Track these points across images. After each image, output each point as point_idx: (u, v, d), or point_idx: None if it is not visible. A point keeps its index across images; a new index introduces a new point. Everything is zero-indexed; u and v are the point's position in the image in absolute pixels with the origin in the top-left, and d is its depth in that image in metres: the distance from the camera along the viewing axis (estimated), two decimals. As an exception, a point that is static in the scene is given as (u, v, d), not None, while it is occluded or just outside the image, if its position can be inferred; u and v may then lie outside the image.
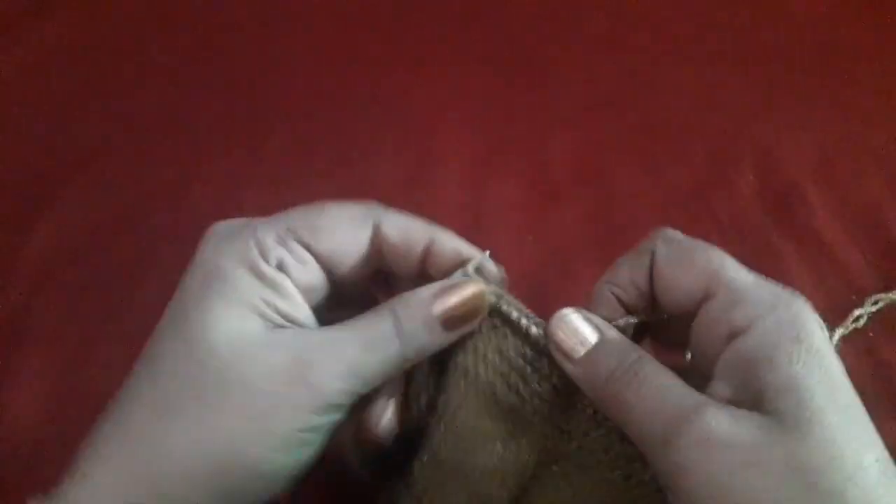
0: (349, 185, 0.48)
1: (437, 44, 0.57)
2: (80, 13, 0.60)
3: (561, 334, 0.24)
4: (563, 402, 0.24)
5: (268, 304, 0.23)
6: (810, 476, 0.18)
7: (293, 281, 0.24)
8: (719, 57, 0.56)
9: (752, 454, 0.18)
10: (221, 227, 0.25)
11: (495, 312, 0.25)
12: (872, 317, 0.39)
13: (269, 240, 0.23)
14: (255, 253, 0.23)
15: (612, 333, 0.24)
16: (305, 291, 0.24)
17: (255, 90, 0.55)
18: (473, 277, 0.25)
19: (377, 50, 0.57)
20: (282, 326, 0.23)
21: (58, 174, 0.49)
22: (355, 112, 0.53)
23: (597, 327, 0.24)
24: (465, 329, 0.24)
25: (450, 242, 0.25)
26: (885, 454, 0.19)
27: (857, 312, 0.39)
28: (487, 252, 0.26)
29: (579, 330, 0.23)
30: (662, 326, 0.26)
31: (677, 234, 0.25)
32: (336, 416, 0.23)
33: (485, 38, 0.58)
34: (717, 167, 0.48)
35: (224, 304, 0.22)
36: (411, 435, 0.26)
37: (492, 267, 0.25)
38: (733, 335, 0.21)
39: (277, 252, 0.23)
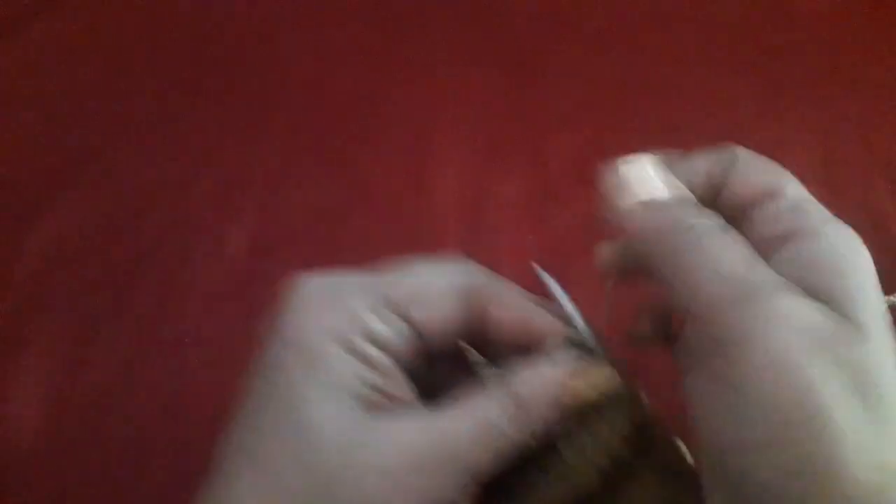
0: (351, 184, 0.48)
1: (438, 43, 0.57)
2: (80, 13, 0.60)
3: (625, 176, 0.23)
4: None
5: (366, 384, 0.21)
6: (871, 377, 0.18)
7: (392, 357, 0.22)
8: (720, 57, 0.56)
9: (825, 342, 0.18)
10: (309, 288, 0.22)
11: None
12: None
13: (363, 311, 0.21)
14: (348, 328, 0.21)
15: (688, 193, 0.23)
16: (404, 364, 0.22)
17: (255, 90, 0.55)
18: (598, 359, 0.23)
19: (377, 50, 0.57)
20: (382, 408, 0.21)
21: (57, 174, 0.49)
22: (356, 112, 0.53)
23: (674, 183, 0.23)
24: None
25: (555, 321, 0.24)
26: None
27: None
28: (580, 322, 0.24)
29: (647, 176, 0.23)
30: None
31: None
32: None
33: (485, 37, 0.58)
34: (718, 167, 0.48)
35: (322, 392, 0.20)
36: None
37: (588, 339, 0.24)
38: (792, 236, 0.21)
39: (373, 325, 0.21)
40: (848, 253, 0.21)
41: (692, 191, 0.23)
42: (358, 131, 0.51)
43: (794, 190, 0.23)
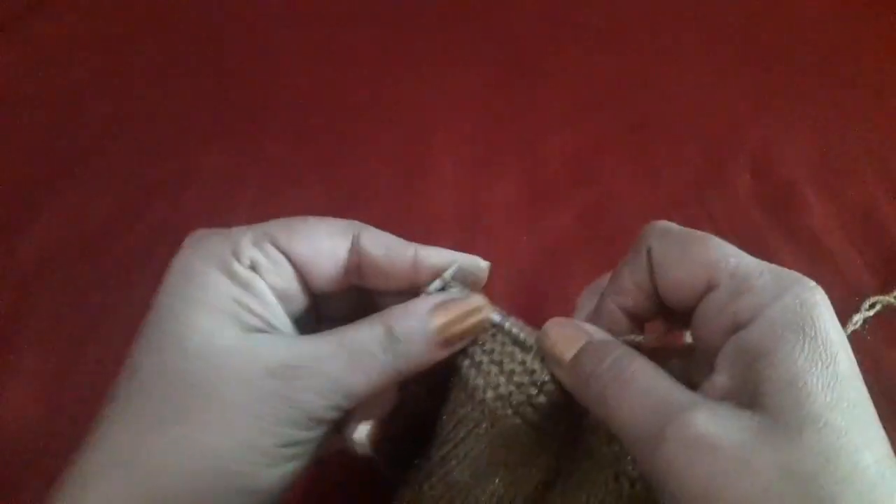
0: (345, 185, 0.48)
1: (434, 45, 0.57)
2: (80, 13, 0.60)
3: (549, 341, 0.23)
4: (562, 414, 0.24)
5: (240, 304, 0.22)
6: (802, 480, 0.17)
7: (266, 282, 0.23)
8: (716, 57, 0.56)
9: (742, 457, 0.17)
10: (200, 232, 0.24)
11: (494, 327, 0.24)
12: (870, 319, 0.39)
13: (244, 242, 0.23)
14: (227, 253, 0.22)
15: (600, 335, 0.23)
16: (280, 296, 0.23)
17: (252, 91, 0.55)
18: (470, 293, 0.24)
19: (374, 51, 0.57)
20: (258, 330, 0.22)
21: (53, 174, 0.49)
22: (352, 112, 0.53)
23: (585, 332, 0.23)
24: (463, 345, 0.24)
25: (435, 255, 0.24)
26: (888, 452, 0.18)
27: (854, 318, 0.39)
28: (471, 258, 0.25)
29: (567, 335, 0.23)
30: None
31: (671, 226, 0.23)
32: (321, 430, 0.22)
33: (481, 39, 0.58)
34: (714, 167, 0.48)
35: (197, 309, 0.21)
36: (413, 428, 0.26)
37: (474, 269, 0.25)
38: (737, 326, 0.20)
39: (250, 253, 0.23)
40: (785, 332, 0.19)
41: (631, 310, 0.24)
42: (354, 131, 0.51)
43: (728, 264, 0.21)
